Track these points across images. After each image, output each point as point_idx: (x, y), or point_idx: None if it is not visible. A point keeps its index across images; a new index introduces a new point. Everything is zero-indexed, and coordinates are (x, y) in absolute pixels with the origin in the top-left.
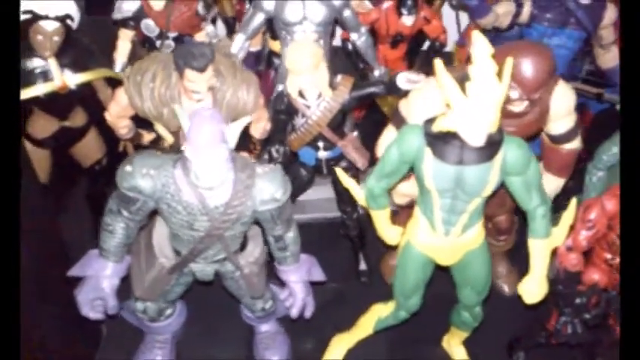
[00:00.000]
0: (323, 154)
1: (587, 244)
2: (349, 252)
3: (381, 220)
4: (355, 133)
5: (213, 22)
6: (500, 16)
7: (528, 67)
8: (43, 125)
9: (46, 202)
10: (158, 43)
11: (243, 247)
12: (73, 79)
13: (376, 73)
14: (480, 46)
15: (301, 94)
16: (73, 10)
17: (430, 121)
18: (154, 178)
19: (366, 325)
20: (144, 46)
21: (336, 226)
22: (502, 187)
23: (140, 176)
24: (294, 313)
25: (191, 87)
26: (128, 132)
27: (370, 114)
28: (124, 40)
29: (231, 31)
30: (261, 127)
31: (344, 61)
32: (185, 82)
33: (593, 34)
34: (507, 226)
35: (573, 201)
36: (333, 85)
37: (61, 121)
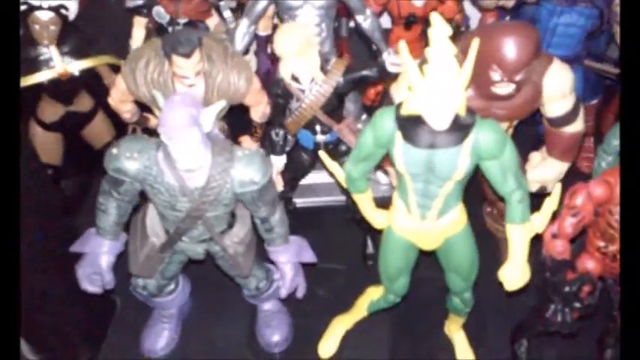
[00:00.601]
0: (321, 138)
1: (572, 231)
2: (358, 235)
3: (364, 204)
4: (364, 117)
5: (237, 9)
6: None
7: (507, 48)
8: (50, 110)
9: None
10: (170, 29)
11: (231, 226)
12: (74, 66)
13: (385, 55)
14: (438, 27)
15: (296, 79)
16: (68, 1)
17: (400, 105)
18: (137, 160)
19: (361, 307)
20: (158, 33)
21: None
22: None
23: (125, 159)
24: (283, 293)
25: (179, 72)
26: (132, 116)
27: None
28: (138, 27)
29: None
30: (260, 111)
31: (360, 43)
32: (174, 67)
33: (606, 12)
34: None
35: (557, 186)
36: (325, 69)
37: (66, 106)
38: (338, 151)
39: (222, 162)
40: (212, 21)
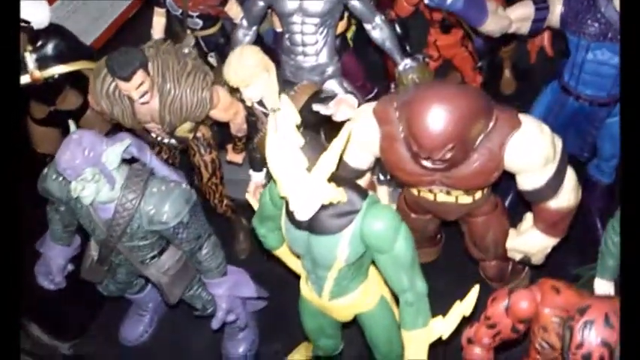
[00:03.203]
0: None
1: (489, 341)
2: None
3: (283, 258)
4: None
5: None
6: (514, 22)
7: (421, 123)
8: (37, 108)
9: None
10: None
11: (162, 252)
12: (50, 71)
13: (400, 67)
14: (285, 115)
15: (260, 101)
16: (32, 14)
17: None
18: (61, 183)
19: (309, 346)
20: (180, 23)
21: None
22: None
23: (51, 180)
24: (214, 324)
25: (124, 92)
26: None
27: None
28: (158, 17)
29: None
30: (237, 125)
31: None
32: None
33: None
34: (494, 273)
35: (475, 288)
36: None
37: (49, 106)
38: None
39: (130, 198)
40: (232, 10)
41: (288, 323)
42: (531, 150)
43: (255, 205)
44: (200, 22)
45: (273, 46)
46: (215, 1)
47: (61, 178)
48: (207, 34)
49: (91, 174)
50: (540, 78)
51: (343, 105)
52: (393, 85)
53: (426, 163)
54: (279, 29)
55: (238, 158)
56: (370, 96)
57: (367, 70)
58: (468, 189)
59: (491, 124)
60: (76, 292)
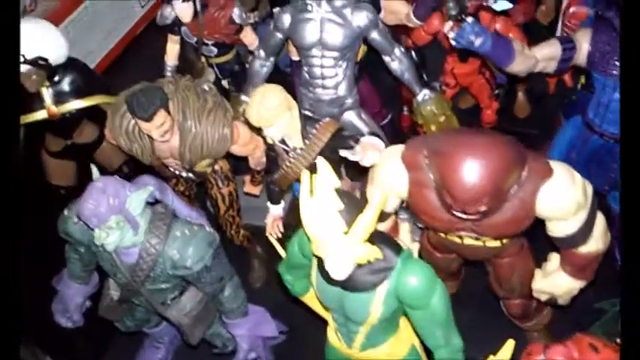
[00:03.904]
0: None
1: None
2: None
3: (310, 304)
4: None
5: None
6: (540, 61)
7: (455, 177)
8: (53, 141)
9: None
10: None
11: (183, 293)
12: (67, 107)
13: (419, 98)
14: (322, 177)
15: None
16: (50, 52)
17: None
18: (83, 227)
19: None
20: (195, 50)
21: None
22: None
23: (72, 223)
24: None
25: (144, 131)
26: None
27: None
28: (172, 44)
29: None
30: (256, 158)
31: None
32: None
33: None
34: (518, 311)
35: (509, 343)
36: (306, 134)
37: (66, 140)
38: None
39: (154, 243)
40: (247, 37)
41: (307, 355)
42: (563, 199)
43: (277, 245)
44: (215, 50)
45: (288, 71)
46: (231, 29)
47: (82, 222)
48: (222, 61)
49: (115, 221)
50: (554, 102)
51: (370, 150)
52: (405, 109)
53: (459, 214)
54: (295, 57)
55: (256, 190)
56: (384, 122)
57: (381, 93)
58: (498, 237)
59: (524, 174)
60: (91, 321)
